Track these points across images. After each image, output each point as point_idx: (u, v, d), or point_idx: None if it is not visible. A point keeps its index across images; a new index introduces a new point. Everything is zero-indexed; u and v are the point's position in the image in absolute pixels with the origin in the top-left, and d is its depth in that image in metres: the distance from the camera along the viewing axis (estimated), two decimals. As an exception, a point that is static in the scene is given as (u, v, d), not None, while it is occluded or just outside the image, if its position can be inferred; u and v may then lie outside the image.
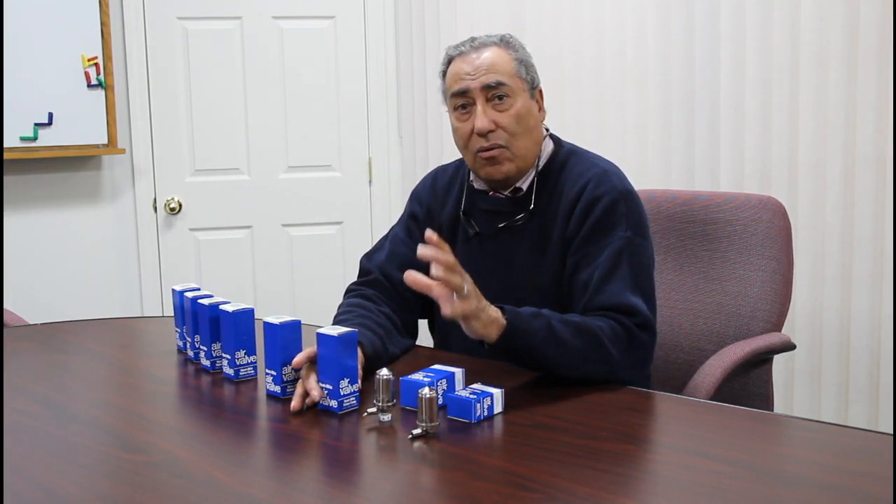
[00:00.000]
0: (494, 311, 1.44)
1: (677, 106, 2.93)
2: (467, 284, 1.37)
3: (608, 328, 1.53)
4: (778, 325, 1.97)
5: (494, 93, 1.66)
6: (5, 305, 2.54)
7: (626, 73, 3.03)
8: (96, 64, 3.19)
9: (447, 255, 1.36)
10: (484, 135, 1.66)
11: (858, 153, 2.58)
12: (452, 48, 1.73)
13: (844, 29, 2.56)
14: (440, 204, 1.85)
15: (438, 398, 1.36)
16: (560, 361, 1.50)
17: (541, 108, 1.75)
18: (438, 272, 1.34)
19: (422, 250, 1.36)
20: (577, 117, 3.12)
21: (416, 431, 1.30)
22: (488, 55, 1.68)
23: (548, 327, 1.48)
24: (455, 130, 1.72)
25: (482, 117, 1.65)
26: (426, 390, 1.29)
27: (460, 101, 1.69)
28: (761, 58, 2.70)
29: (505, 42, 1.71)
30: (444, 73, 1.73)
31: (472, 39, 1.72)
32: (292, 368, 1.48)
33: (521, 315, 1.47)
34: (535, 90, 1.72)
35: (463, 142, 1.71)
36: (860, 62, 2.54)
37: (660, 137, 2.98)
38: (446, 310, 1.35)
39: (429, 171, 1.97)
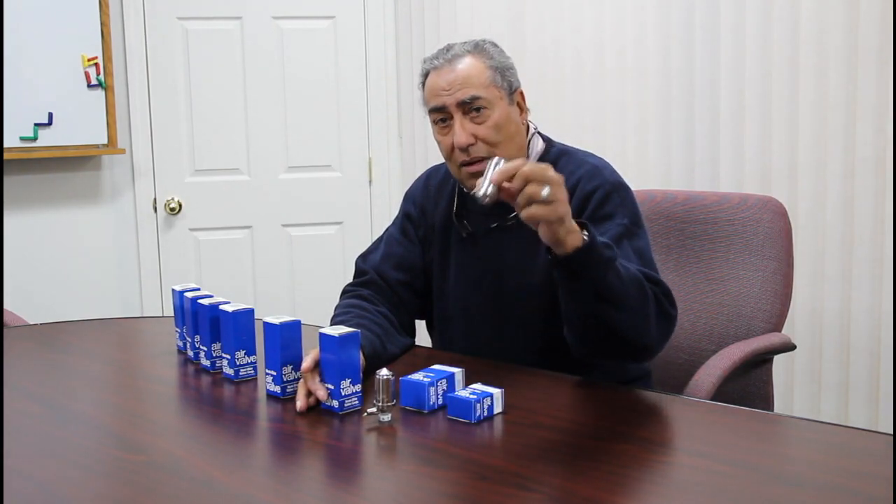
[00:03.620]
0: (575, 226, 1.39)
1: (677, 106, 2.92)
2: (546, 189, 1.32)
3: (649, 287, 1.50)
4: (778, 326, 1.97)
5: (471, 107, 1.64)
6: (5, 305, 2.54)
7: (626, 73, 3.03)
8: (96, 64, 3.19)
9: (514, 168, 1.34)
10: (465, 149, 1.64)
11: (858, 153, 2.58)
12: (427, 61, 1.71)
13: (844, 29, 2.56)
14: (433, 203, 1.85)
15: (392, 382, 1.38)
16: (612, 300, 1.43)
17: (523, 110, 1.72)
18: (515, 183, 1.33)
19: (498, 176, 1.35)
20: (578, 117, 3.12)
21: (371, 410, 1.36)
22: (462, 68, 1.65)
23: (616, 261, 1.43)
24: (438, 143, 1.72)
25: (460, 133, 1.64)
26: (384, 371, 1.36)
27: (439, 116, 1.68)
28: (761, 57, 2.70)
29: (479, 49, 1.68)
30: (423, 85, 1.72)
31: (447, 49, 1.69)
32: (300, 373, 1.47)
33: (598, 240, 1.41)
34: (514, 94, 1.70)
35: (446, 155, 1.71)
36: (860, 62, 2.54)
37: (660, 137, 2.98)
38: (523, 213, 1.34)
39: (425, 170, 1.97)
